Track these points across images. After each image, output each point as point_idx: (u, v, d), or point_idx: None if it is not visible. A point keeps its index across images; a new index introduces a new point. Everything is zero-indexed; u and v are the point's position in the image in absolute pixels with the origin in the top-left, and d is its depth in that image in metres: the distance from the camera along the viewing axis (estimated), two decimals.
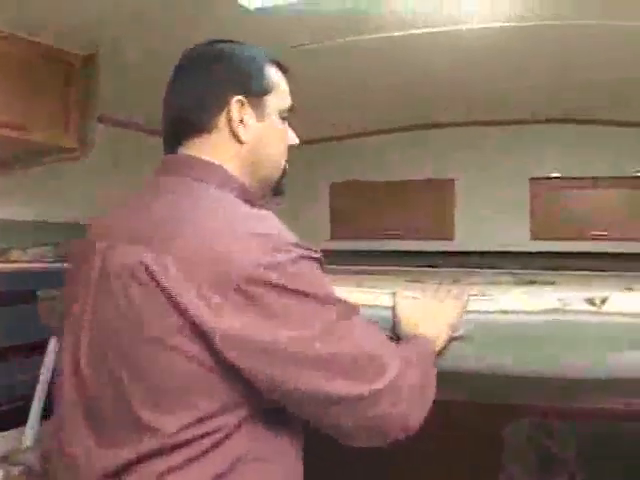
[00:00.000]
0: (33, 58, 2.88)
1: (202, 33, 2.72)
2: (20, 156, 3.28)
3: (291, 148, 1.64)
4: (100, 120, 3.31)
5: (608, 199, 4.88)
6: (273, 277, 1.25)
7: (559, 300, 1.96)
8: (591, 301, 1.92)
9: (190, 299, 1.22)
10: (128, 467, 1.26)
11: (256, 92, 1.53)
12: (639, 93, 3.75)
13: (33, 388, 3.19)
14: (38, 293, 3.08)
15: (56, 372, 1.50)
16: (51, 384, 3.17)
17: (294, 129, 1.66)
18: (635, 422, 3.21)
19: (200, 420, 1.26)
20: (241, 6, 2.58)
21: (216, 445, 1.27)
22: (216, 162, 1.49)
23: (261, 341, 1.24)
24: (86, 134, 3.10)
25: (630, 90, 3.75)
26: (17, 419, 3.25)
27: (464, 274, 3.30)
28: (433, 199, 5.42)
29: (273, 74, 1.57)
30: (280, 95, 1.58)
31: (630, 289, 2.47)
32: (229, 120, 1.49)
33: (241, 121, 1.50)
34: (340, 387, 1.29)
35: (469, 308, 1.99)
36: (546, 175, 5.04)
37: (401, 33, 2.96)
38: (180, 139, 1.53)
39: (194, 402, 1.26)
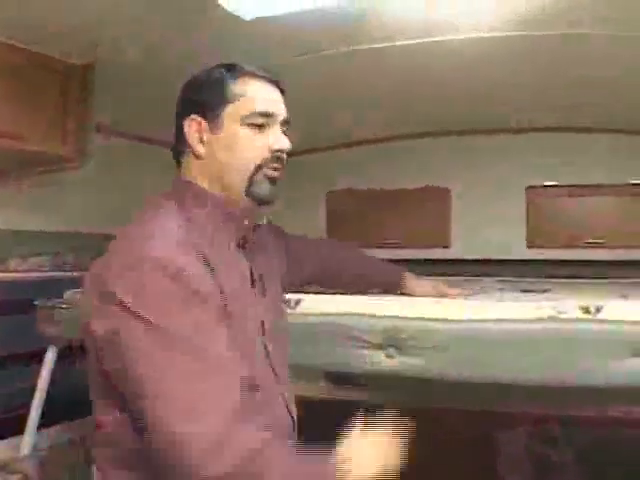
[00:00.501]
0: (30, 67, 2.87)
1: (200, 45, 2.75)
2: (18, 166, 3.28)
3: (288, 153, 1.62)
4: (98, 130, 3.31)
5: (604, 207, 4.89)
6: (117, 293, 1.34)
7: (554, 308, 1.97)
8: (586, 309, 1.93)
9: None
10: None
11: (211, 106, 1.58)
12: (634, 101, 3.76)
13: (31, 397, 3.20)
14: (36, 302, 3.10)
15: None
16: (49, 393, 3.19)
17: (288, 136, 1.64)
18: (633, 429, 3.22)
19: None
20: (237, 17, 2.59)
21: None
22: (188, 179, 1.60)
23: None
24: (84, 143, 3.10)
25: (625, 98, 3.76)
26: (15, 428, 3.25)
27: (461, 282, 3.30)
28: (429, 207, 5.40)
29: (236, 86, 1.58)
30: (243, 104, 1.57)
31: (625, 297, 2.49)
32: (187, 139, 1.58)
33: (200, 138, 1.58)
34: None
35: (467, 316, 2.00)
36: (542, 183, 5.04)
37: (395, 43, 2.97)
38: (176, 161, 1.66)
39: None
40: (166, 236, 1.43)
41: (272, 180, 1.61)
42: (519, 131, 4.91)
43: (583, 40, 2.91)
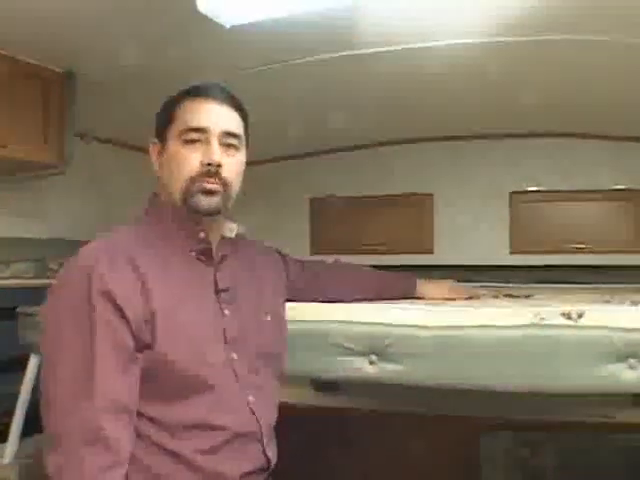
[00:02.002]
0: (12, 75, 2.87)
1: (183, 53, 2.75)
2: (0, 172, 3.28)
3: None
4: (79, 136, 3.31)
5: (587, 212, 4.92)
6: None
7: (536, 315, 1.97)
8: (568, 315, 1.93)
9: None
10: None
11: (161, 129, 1.77)
12: (616, 107, 3.79)
13: (12, 405, 3.17)
14: (18, 309, 3.07)
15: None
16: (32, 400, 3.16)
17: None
18: (615, 434, 3.23)
19: None
20: (216, 24, 2.59)
21: None
22: (157, 197, 1.81)
23: None
24: (65, 150, 3.11)
25: (608, 104, 3.79)
26: None
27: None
28: (412, 213, 5.43)
29: (177, 107, 1.75)
30: (179, 121, 1.73)
31: (608, 302, 2.49)
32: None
33: (159, 160, 1.79)
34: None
35: (447, 323, 2.00)
36: (525, 189, 5.07)
37: (379, 50, 2.99)
38: None
39: None
40: (95, 245, 1.63)
41: (207, 192, 1.71)
42: (503, 137, 4.93)
43: (566, 46, 2.93)
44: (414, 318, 2.02)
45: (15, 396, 3.17)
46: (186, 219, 1.75)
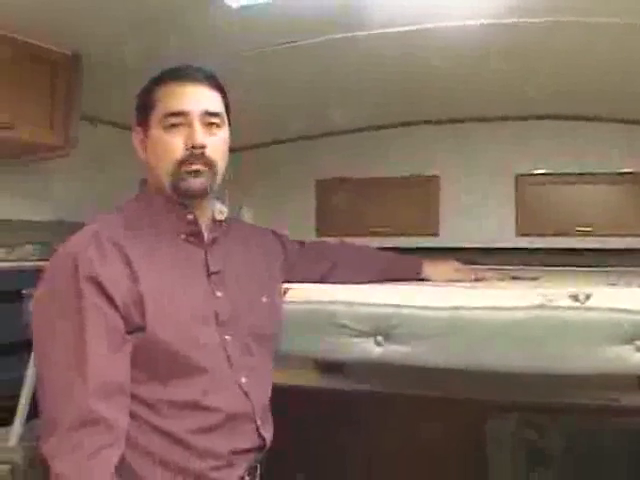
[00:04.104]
0: (19, 57, 2.87)
1: (190, 34, 2.73)
2: (4, 154, 3.27)
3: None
4: (85, 118, 3.30)
5: (594, 195, 4.90)
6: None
7: (543, 296, 1.96)
8: (575, 297, 1.92)
9: None
10: None
11: (143, 115, 1.79)
12: (624, 90, 3.77)
13: (18, 387, 3.17)
14: (24, 292, 3.08)
15: None
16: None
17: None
18: (620, 417, 3.23)
19: None
20: (224, 4, 2.58)
21: None
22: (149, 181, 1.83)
23: None
24: (71, 132, 3.11)
25: (616, 87, 3.77)
26: (4, 419, 3.23)
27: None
28: (418, 195, 5.41)
29: (156, 92, 1.77)
30: (160, 107, 1.74)
31: (614, 284, 2.49)
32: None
33: (143, 145, 1.80)
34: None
35: (454, 304, 2.00)
36: (532, 171, 5.06)
37: (383, 31, 2.97)
38: None
39: None
40: (82, 233, 1.65)
41: (195, 173, 1.74)
42: (509, 119, 4.91)
43: (573, 28, 2.91)
44: (421, 299, 2.01)
45: (22, 379, 3.18)
46: (174, 202, 1.78)
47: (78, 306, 1.51)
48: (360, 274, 2.33)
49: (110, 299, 1.54)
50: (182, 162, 1.72)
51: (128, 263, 1.60)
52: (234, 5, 2.60)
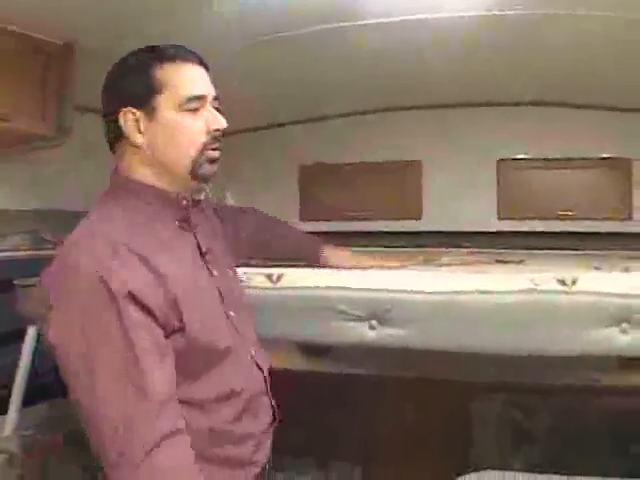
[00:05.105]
0: (11, 47, 2.85)
1: (176, 25, 2.74)
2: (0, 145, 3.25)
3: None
4: (82, 108, 3.30)
5: (575, 180, 4.94)
6: (53, 306, 1.48)
7: (531, 280, 2.02)
8: (562, 281, 1.98)
9: None
10: None
11: (144, 96, 1.62)
12: (606, 77, 3.82)
13: (11, 377, 3.18)
14: (16, 282, 3.08)
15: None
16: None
17: (225, 113, 1.71)
18: (602, 397, 3.30)
19: None
20: None
21: None
22: (123, 172, 1.69)
23: None
24: (63, 122, 3.09)
25: (597, 74, 3.81)
26: None
27: (433, 254, 3.35)
28: (401, 180, 5.42)
29: (165, 73, 1.63)
30: (176, 90, 1.62)
31: (598, 268, 2.55)
32: (123, 130, 1.64)
33: (137, 128, 1.63)
34: None
35: (446, 288, 2.05)
36: (513, 156, 5.10)
37: (370, 21, 2.98)
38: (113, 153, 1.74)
39: None
40: (92, 242, 1.50)
41: (213, 160, 1.69)
42: (490, 104, 4.94)
43: (555, 18, 2.95)
44: (414, 284, 2.06)
45: (14, 368, 3.19)
46: (176, 189, 1.70)
47: (121, 327, 1.42)
48: (282, 251, 2.41)
49: (149, 311, 1.47)
50: (202, 148, 1.66)
51: (150, 266, 1.51)
52: None
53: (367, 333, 2.10)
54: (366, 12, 2.91)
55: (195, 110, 1.65)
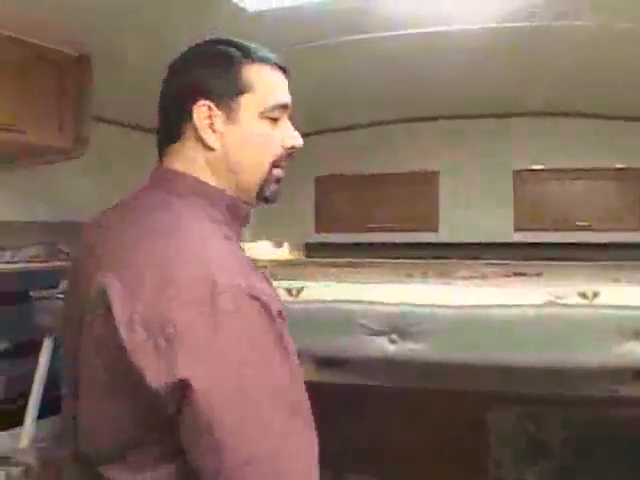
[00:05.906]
0: (26, 59, 2.86)
1: (199, 33, 2.75)
2: (13, 157, 3.26)
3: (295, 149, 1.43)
4: (95, 119, 3.31)
5: (591, 191, 4.93)
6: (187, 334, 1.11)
7: (552, 294, 2.02)
8: (583, 295, 1.98)
9: None
10: None
11: (226, 94, 1.39)
12: (620, 88, 3.82)
13: (28, 388, 3.18)
14: (31, 293, 3.09)
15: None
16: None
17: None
18: (621, 410, 3.28)
19: None
20: (240, 8, 2.61)
21: None
22: (187, 172, 1.39)
23: None
24: (81, 134, 3.09)
25: (611, 85, 3.81)
26: (9, 420, 3.24)
27: (451, 266, 3.35)
28: (417, 191, 5.42)
29: (253, 73, 1.40)
30: (262, 94, 1.40)
31: (617, 280, 2.54)
32: (195, 127, 1.37)
33: (211, 126, 1.38)
34: None
35: (467, 302, 2.05)
36: (529, 167, 5.09)
37: (390, 33, 3.00)
38: (162, 148, 1.44)
39: None
40: (221, 254, 1.24)
41: (279, 180, 1.45)
42: (507, 115, 4.94)
43: (569, 30, 2.96)
44: (434, 298, 2.06)
45: (30, 380, 3.19)
46: (243, 205, 1.44)
47: (282, 348, 1.19)
48: None
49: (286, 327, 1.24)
50: (275, 164, 1.42)
51: (263, 276, 1.27)
52: (250, 9, 2.64)
53: (387, 347, 2.10)
54: (391, 23, 2.93)
55: (275, 120, 1.42)
